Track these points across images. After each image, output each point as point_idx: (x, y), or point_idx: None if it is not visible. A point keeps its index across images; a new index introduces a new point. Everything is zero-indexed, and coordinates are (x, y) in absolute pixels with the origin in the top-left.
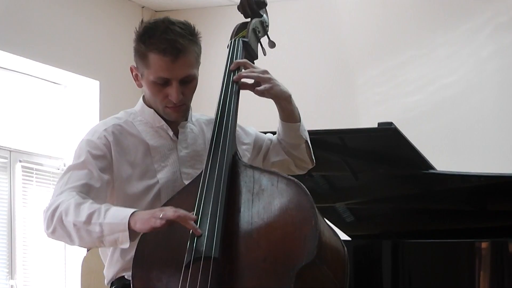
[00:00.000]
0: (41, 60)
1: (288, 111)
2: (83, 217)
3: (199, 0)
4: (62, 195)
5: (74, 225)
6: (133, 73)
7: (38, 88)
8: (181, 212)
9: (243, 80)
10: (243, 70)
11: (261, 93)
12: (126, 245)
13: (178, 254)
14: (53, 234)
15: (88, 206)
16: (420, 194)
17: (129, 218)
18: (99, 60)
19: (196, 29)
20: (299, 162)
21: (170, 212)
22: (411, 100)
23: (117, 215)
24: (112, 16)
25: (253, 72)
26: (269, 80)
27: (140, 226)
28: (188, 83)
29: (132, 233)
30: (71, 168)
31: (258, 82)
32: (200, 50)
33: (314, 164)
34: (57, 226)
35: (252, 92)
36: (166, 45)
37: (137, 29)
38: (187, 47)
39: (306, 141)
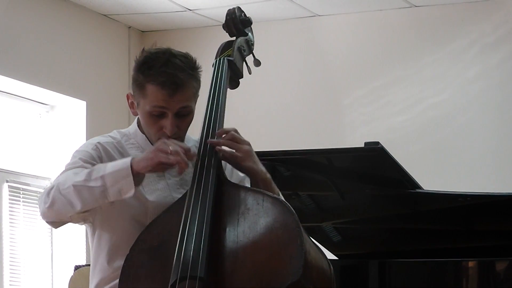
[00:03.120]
0: (28, 81)
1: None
2: (82, 177)
3: (185, 20)
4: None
5: (74, 187)
6: (129, 101)
7: (25, 108)
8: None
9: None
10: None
11: (235, 163)
12: (131, 192)
13: (164, 273)
14: (51, 208)
15: (85, 170)
16: (407, 213)
17: (130, 162)
18: (85, 81)
19: (197, 63)
20: None
21: (175, 146)
22: (397, 121)
23: (116, 164)
24: (99, 37)
25: (232, 139)
26: (247, 151)
27: (145, 163)
28: (185, 116)
29: (136, 177)
30: (67, 167)
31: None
32: (199, 84)
33: None
34: (55, 198)
35: (240, 111)
36: (165, 79)
37: (137, 58)
38: (186, 81)
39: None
